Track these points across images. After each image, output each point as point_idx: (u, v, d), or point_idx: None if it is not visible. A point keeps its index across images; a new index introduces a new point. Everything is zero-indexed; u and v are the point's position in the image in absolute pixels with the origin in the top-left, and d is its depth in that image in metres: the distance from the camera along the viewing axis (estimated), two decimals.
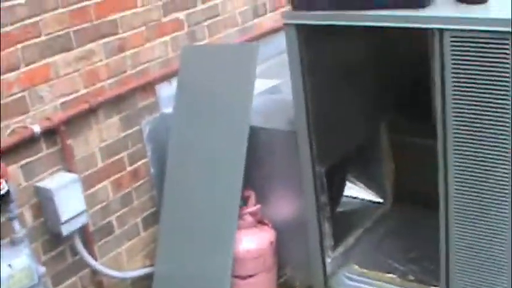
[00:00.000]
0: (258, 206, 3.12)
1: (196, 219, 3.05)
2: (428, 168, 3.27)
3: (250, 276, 3.09)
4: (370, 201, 3.57)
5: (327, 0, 2.58)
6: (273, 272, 3.18)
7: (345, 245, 3.24)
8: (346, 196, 3.55)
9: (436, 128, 3.36)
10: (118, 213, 3.22)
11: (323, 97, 2.85)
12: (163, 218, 3.17)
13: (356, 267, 3.13)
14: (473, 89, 2.39)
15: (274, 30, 3.77)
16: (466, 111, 2.43)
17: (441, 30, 2.39)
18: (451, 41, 2.37)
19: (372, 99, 3.26)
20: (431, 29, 2.41)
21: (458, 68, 2.39)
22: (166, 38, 3.33)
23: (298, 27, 2.69)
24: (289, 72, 3.26)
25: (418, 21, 2.46)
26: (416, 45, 3.27)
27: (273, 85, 3.42)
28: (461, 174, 2.55)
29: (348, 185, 3.57)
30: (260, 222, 3.16)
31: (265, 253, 3.09)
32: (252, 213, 3.10)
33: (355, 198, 3.58)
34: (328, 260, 3.08)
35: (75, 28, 2.92)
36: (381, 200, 3.56)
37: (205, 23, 3.51)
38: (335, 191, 3.34)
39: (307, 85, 2.78)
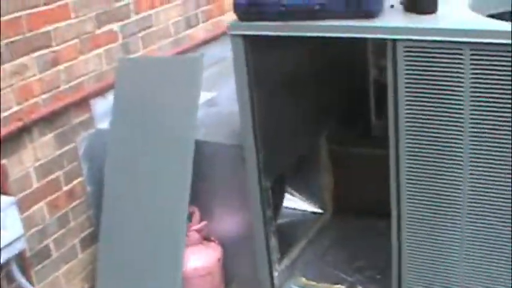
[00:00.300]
0: (204, 222, 3.05)
1: (139, 238, 2.95)
2: (368, 178, 3.31)
3: None
4: (310, 212, 3.54)
5: (275, 10, 2.52)
6: None
7: (289, 257, 3.20)
8: (286, 208, 3.51)
9: (373, 138, 3.43)
10: (55, 236, 3.09)
11: (268, 109, 2.81)
12: (103, 238, 3.06)
13: (303, 279, 3.10)
14: (427, 99, 2.39)
15: (206, 41, 3.71)
16: (419, 120, 2.43)
17: (394, 41, 2.37)
18: (404, 51, 2.36)
19: (313, 111, 3.23)
20: (385, 39, 2.39)
21: (412, 78, 2.38)
22: (100, 50, 3.22)
23: (245, 38, 2.62)
24: (224, 84, 3.24)
25: (371, 31, 2.44)
26: (355, 57, 3.30)
27: (209, 98, 3.36)
28: (413, 184, 2.55)
29: (287, 196, 3.53)
30: (206, 238, 3.09)
31: (213, 270, 3.03)
32: (198, 230, 3.03)
33: (294, 209, 3.54)
34: (275, 274, 3.03)
35: (6, 41, 2.78)
36: (320, 211, 3.55)
37: (140, 34, 3.41)
38: (275, 204, 3.30)
39: (253, 97, 2.72)
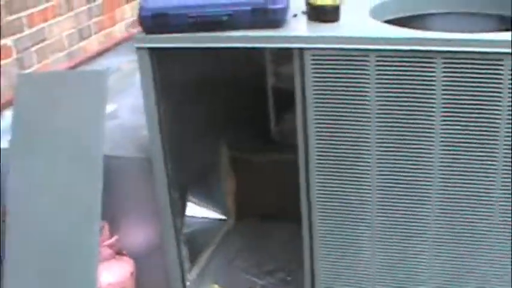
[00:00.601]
0: (116, 237, 3.02)
1: (49, 259, 2.88)
2: (268, 183, 3.39)
3: None
4: (213, 219, 3.57)
5: (181, 22, 2.53)
6: None
7: (199, 265, 3.23)
8: (189, 216, 3.52)
9: (272, 144, 3.51)
10: None
11: (175, 121, 2.82)
12: (10, 261, 2.96)
13: (215, 286, 3.13)
14: (336, 105, 2.48)
15: (100, 53, 3.67)
16: (328, 126, 2.52)
17: (301, 50, 2.44)
18: (312, 60, 2.44)
19: (215, 120, 3.28)
20: (292, 49, 2.46)
21: (320, 86, 2.46)
22: None
23: (151, 50, 2.62)
24: (123, 96, 3.23)
25: (278, 41, 2.50)
26: (254, 66, 3.37)
27: (109, 111, 3.32)
28: (323, 185, 2.62)
29: (190, 205, 3.55)
30: (118, 253, 3.06)
31: (126, 285, 3.01)
32: (109, 245, 3.00)
33: (198, 217, 3.56)
34: (187, 283, 3.05)
35: None
36: (224, 217, 3.58)
37: (33, 49, 3.34)
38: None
39: (160, 110, 2.72)
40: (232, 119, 3.43)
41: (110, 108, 3.38)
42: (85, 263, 2.83)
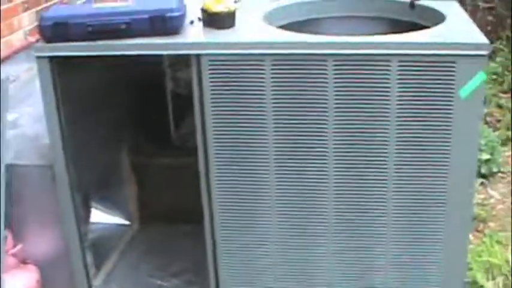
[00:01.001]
0: (20, 245, 3.02)
1: None
2: (170, 186, 3.45)
3: None
4: (117, 224, 3.60)
5: (81, 31, 2.57)
6: None
7: (104, 271, 3.25)
8: (93, 223, 3.54)
9: (173, 148, 3.57)
10: None
11: (76, 127, 2.85)
12: None
13: None
14: (233, 109, 2.58)
15: None
16: (226, 130, 2.61)
17: (198, 56, 2.52)
18: (209, 65, 2.52)
19: (117, 126, 3.31)
20: (189, 55, 2.53)
21: (217, 90, 2.55)
22: None
23: (51, 59, 2.64)
24: (22, 105, 3.22)
25: (175, 48, 2.57)
26: (152, 71, 3.42)
27: (10, 120, 3.31)
28: (223, 187, 2.71)
29: (94, 211, 3.56)
30: (23, 262, 3.06)
31: None
32: (14, 254, 2.99)
33: (101, 223, 3.58)
34: None
35: None
36: (127, 222, 3.62)
37: None
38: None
39: (61, 117, 2.75)
40: (133, 125, 3.48)
41: (10, 117, 3.36)
42: None
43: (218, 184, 2.69)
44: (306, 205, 2.68)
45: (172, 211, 3.51)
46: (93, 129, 3.10)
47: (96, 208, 3.55)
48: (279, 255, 2.78)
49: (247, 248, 2.79)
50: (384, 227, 2.66)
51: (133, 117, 3.46)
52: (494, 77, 5.84)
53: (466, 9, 2.95)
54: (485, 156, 4.50)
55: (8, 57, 3.80)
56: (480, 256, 3.69)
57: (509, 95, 5.54)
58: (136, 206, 3.64)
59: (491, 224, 4.10)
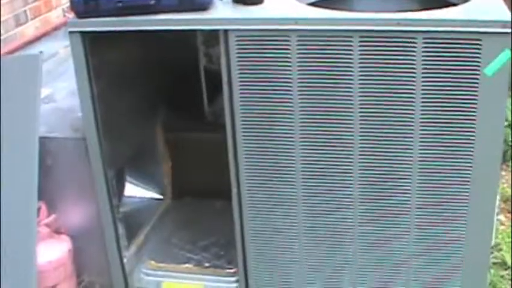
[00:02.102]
0: (53, 216, 3.11)
1: None
2: (203, 161, 3.50)
3: (53, 287, 3.08)
4: (150, 198, 3.67)
5: (111, 6, 2.62)
6: (73, 280, 3.20)
7: (136, 243, 3.32)
8: (127, 196, 3.62)
9: (206, 123, 3.62)
10: None
11: (108, 102, 2.92)
12: None
13: (152, 262, 3.23)
14: (259, 85, 2.61)
15: (37, 38, 3.73)
16: (253, 105, 2.64)
17: (226, 31, 2.56)
18: (236, 41, 2.56)
19: (149, 101, 3.37)
20: (217, 30, 2.57)
21: (244, 66, 2.58)
22: None
23: (83, 34, 2.71)
24: (59, 80, 3.30)
25: (204, 23, 2.61)
26: (186, 47, 3.46)
27: (45, 95, 3.40)
28: (251, 164, 2.75)
29: (127, 185, 3.64)
30: (56, 232, 3.15)
31: (65, 262, 3.10)
32: (47, 224, 3.09)
33: (135, 197, 3.66)
34: (125, 260, 3.15)
35: None
36: (160, 197, 3.69)
37: None
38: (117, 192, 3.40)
39: (94, 91, 2.81)
40: (167, 100, 3.53)
41: (46, 91, 3.45)
42: (23, 242, 2.91)
43: (246, 161, 2.73)
44: (331, 180, 2.71)
45: (205, 187, 3.56)
46: (127, 104, 3.16)
47: (130, 182, 3.63)
48: (304, 233, 2.81)
49: (274, 225, 2.83)
50: (408, 206, 2.67)
51: (167, 93, 3.51)
52: None
53: None
54: None
55: (46, 34, 3.89)
56: (510, 237, 3.68)
57: None
58: (169, 181, 3.70)
59: None
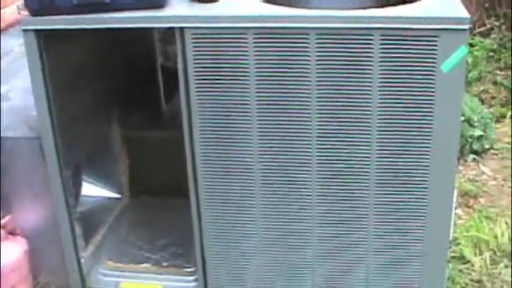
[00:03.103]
0: (8, 217, 3.06)
1: None
2: (160, 159, 3.48)
3: None
4: (107, 197, 3.63)
5: (67, 4, 2.58)
6: (30, 282, 3.15)
7: (93, 243, 3.28)
8: (84, 196, 3.58)
9: (163, 121, 3.59)
10: None
11: (64, 100, 2.87)
12: None
13: (110, 262, 3.20)
14: (217, 82, 2.59)
15: None
16: (210, 103, 2.63)
17: (182, 29, 2.54)
18: (192, 38, 2.54)
19: (105, 99, 3.34)
20: (173, 28, 2.55)
21: (201, 64, 2.57)
22: None
23: (38, 33, 2.66)
24: (14, 77, 3.25)
25: (159, 21, 2.59)
26: (142, 45, 3.44)
27: (1, 93, 3.34)
28: (208, 163, 2.74)
29: (84, 184, 3.60)
30: (11, 233, 3.10)
31: (21, 264, 3.07)
32: (2, 226, 3.04)
33: (92, 196, 3.62)
34: (82, 261, 3.11)
35: None
36: (118, 196, 3.66)
37: None
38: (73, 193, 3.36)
39: (49, 90, 2.77)
40: (124, 98, 3.50)
41: (1, 90, 3.39)
42: None
43: (203, 159, 2.72)
44: (289, 180, 2.70)
45: (162, 185, 3.54)
46: (82, 102, 3.13)
47: (87, 181, 3.59)
48: (263, 232, 2.81)
49: (232, 224, 2.82)
50: (366, 201, 2.68)
51: (124, 91, 3.48)
52: (491, 54, 5.83)
53: None
54: (478, 132, 4.52)
55: (0, 31, 3.82)
56: (468, 231, 3.72)
57: (506, 73, 5.54)
58: (126, 180, 3.67)
59: (482, 200, 4.12)
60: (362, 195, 2.67)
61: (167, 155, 3.39)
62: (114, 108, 3.50)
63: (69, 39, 2.80)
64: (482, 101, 5.12)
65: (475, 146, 4.54)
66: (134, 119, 3.56)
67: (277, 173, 2.69)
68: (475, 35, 6.02)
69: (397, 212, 2.68)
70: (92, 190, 3.63)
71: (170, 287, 3.10)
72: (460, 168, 4.42)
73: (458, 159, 4.48)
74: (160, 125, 3.59)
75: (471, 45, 5.79)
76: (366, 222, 2.71)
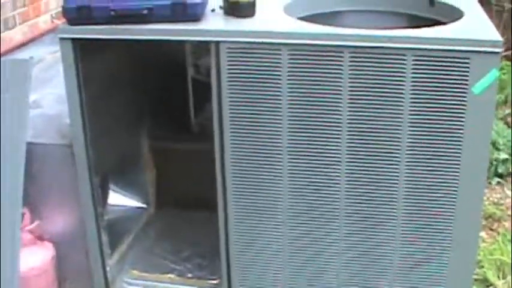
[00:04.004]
0: (37, 222, 3.10)
1: None
2: (187, 172, 3.50)
3: None
4: (134, 207, 3.66)
5: (104, 14, 2.62)
6: (55, 287, 3.17)
7: (119, 252, 3.31)
8: (111, 205, 3.60)
9: (192, 134, 3.62)
10: None
11: (96, 109, 2.91)
12: None
13: (135, 271, 3.23)
14: (249, 97, 2.62)
15: (24, 44, 3.71)
16: (242, 118, 2.65)
17: (217, 43, 2.57)
18: (227, 53, 2.57)
19: (135, 110, 3.38)
20: (208, 42, 2.58)
21: (234, 78, 2.60)
22: None
23: (74, 41, 2.71)
24: (46, 85, 3.29)
25: (196, 34, 2.63)
26: (174, 57, 3.47)
27: (32, 100, 3.38)
28: (238, 177, 2.76)
29: (111, 193, 3.63)
30: (39, 238, 3.14)
31: (47, 269, 3.09)
32: (30, 231, 3.07)
33: (119, 205, 3.64)
34: (107, 269, 3.13)
35: None
36: (144, 206, 3.68)
37: None
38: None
39: (83, 98, 2.81)
40: (154, 110, 3.54)
41: (32, 97, 3.43)
42: (6, 248, 2.88)
43: (233, 174, 2.74)
44: (318, 197, 2.72)
45: (189, 197, 3.57)
46: (114, 112, 3.17)
47: (114, 190, 3.62)
48: (290, 245, 2.82)
49: (259, 237, 2.84)
50: (394, 221, 2.69)
51: (154, 103, 3.51)
52: None
53: (491, 9, 2.96)
54: (503, 155, 4.51)
55: (34, 40, 3.88)
56: (492, 254, 3.71)
57: None
58: (153, 190, 3.70)
59: (506, 224, 4.11)
60: (390, 215, 2.68)
61: (194, 168, 3.42)
62: (144, 119, 3.53)
63: (104, 49, 2.84)
64: (508, 125, 5.10)
65: (500, 169, 4.53)
66: (163, 130, 3.58)
67: (306, 188, 2.71)
68: (501, 57, 6.00)
69: (424, 232, 2.69)
70: (118, 199, 3.65)
71: None
72: (485, 191, 4.40)
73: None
74: (188, 137, 3.62)
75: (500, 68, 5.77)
76: (392, 241, 2.72)
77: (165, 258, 3.31)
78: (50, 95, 3.41)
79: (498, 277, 3.57)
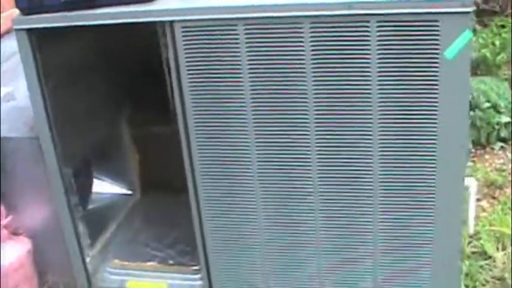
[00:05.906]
0: (10, 217, 3.05)
1: None
2: (170, 155, 3.41)
3: None
4: (119, 194, 3.60)
5: (56, 2, 2.55)
6: (34, 281, 3.14)
7: (101, 241, 3.26)
8: (96, 193, 3.55)
9: (172, 117, 3.52)
10: None
11: (62, 99, 2.85)
12: None
13: (116, 261, 3.18)
14: (209, 75, 2.52)
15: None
16: (202, 97, 2.57)
17: (171, 22, 2.47)
18: (182, 32, 2.47)
19: (110, 96, 3.30)
20: (163, 22, 2.49)
21: (192, 57, 2.50)
22: None
23: (30, 32, 2.63)
24: (20, 78, 3.21)
25: (148, 15, 2.52)
26: (142, 39, 3.37)
27: (5, 92, 3.33)
28: (204, 157, 2.68)
29: (95, 181, 3.57)
30: (14, 233, 3.09)
31: (24, 263, 3.06)
32: (4, 226, 3.03)
33: (104, 193, 3.59)
34: (87, 259, 3.08)
35: None
36: (129, 192, 3.62)
37: None
38: (83, 190, 3.34)
39: (44, 89, 2.73)
40: (132, 95, 3.46)
41: (6, 90, 3.38)
42: None
43: (200, 154, 2.67)
44: (288, 171, 2.61)
45: (173, 180, 3.47)
46: (85, 101, 3.09)
47: (98, 178, 3.56)
48: (265, 228, 2.74)
49: (232, 220, 2.76)
50: (371, 193, 2.58)
51: (132, 88, 3.43)
52: None
53: None
54: (505, 119, 4.34)
55: (9, 31, 3.80)
56: (491, 225, 3.56)
57: None
58: (138, 176, 3.63)
59: (508, 191, 3.95)
60: (367, 188, 2.57)
61: (177, 151, 3.33)
62: (123, 105, 3.45)
63: (65, 37, 2.76)
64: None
65: (503, 133, 4.37)
66: (143, 114, 3.50)
67: (275, 164, 2.61)
68: (506, 16, 5.81)
69: (404, 203, 2.58)
70: (103, 187, 3.60)
71: (176, 285, 3.05)
72: (487, 157, 4.26)
73: (484, 147, 4.33)
74: (168, 121, 3.52)
75: (502, 26, 5.59)
76: (371, 218, 2.62)
77: (147, 245, 3.26)
78: (24, 87, 3.34)
79: (497, 249, 3.42)
